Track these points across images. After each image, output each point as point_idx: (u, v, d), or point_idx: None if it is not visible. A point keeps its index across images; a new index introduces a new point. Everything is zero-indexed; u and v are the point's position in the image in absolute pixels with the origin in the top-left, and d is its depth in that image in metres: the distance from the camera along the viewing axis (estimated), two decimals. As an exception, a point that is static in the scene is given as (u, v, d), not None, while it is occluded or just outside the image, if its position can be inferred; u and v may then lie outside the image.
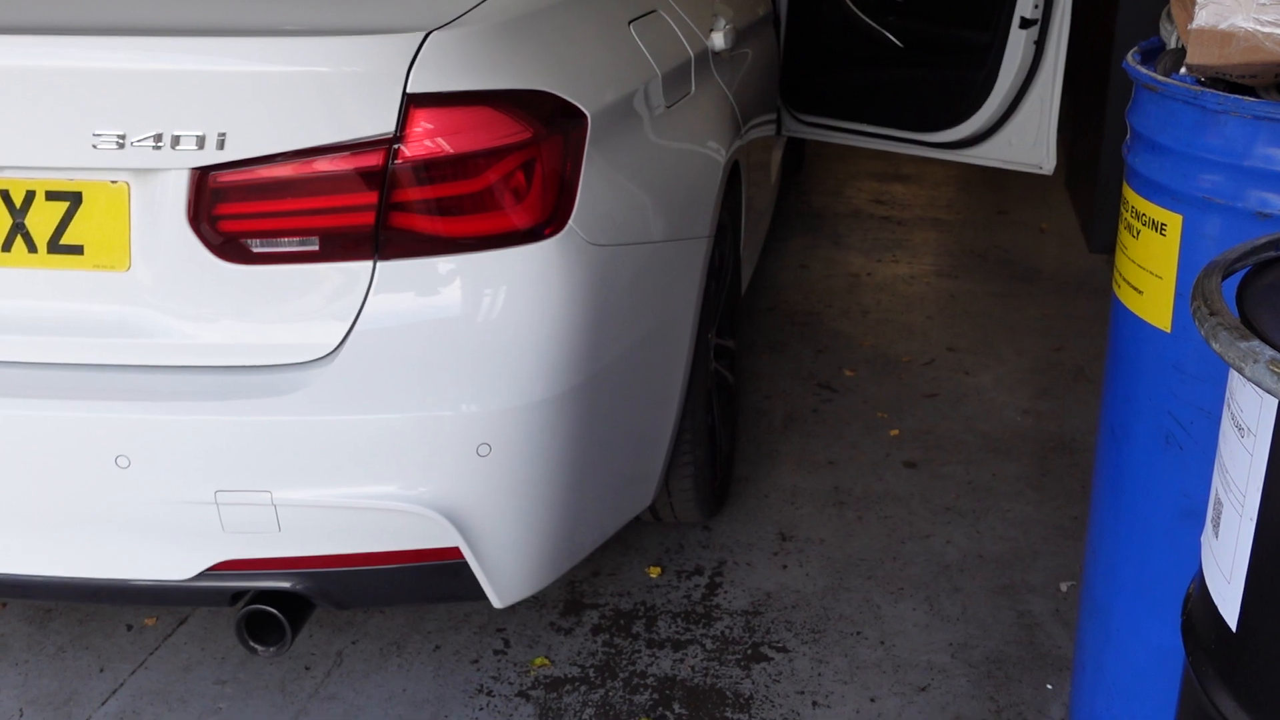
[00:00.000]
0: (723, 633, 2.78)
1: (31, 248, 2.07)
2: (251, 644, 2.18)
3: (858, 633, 2.78)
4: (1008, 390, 4.02)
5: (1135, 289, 1.95)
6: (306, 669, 2.68)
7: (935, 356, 4.28)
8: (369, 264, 2.02)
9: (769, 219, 4.63)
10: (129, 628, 2.83)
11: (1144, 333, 1.94)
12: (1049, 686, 2.60)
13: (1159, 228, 1.87)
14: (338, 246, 2.01)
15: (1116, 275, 2.03)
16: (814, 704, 2.56)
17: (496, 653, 2.73)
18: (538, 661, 2.70)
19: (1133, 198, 1.95)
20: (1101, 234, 5.24)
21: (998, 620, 2.82)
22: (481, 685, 2.63)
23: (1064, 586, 2.93)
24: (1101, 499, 2.14)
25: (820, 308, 4.74)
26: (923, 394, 3.99)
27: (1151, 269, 1.90)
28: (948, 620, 2.82)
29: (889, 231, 5.68)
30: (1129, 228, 1.97)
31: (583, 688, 2.62)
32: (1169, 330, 1.88)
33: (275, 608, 2.13)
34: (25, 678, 2.68)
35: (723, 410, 3.20)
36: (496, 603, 2.20)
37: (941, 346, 4.37)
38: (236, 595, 2.18)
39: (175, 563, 2.11)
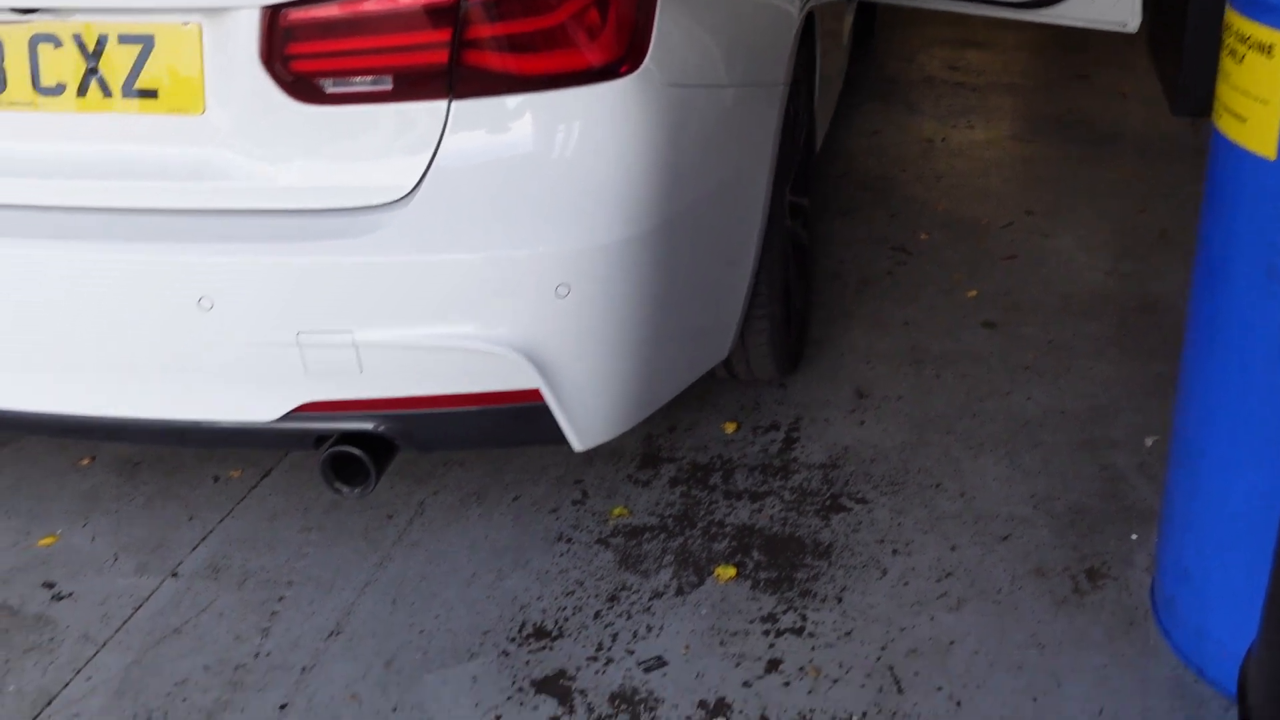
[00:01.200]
0: (800, 485, 2.78)
1: (106, 92, 2.06)
2: (336, 485, 2.21)
3: (937, 485, 2.76)
4: (1089, 252, 3.93)
5: (1238, 117, 1.87)
6: (389, 518, 2.73)
7: (1013, 220, 4.19)
8: (443, 103, 1.99)
9: (840, 84, 4.53)
10: (215, 479, 2.88)
11: (1246, 162, 1.86)
12: (1134, 537, 2.57)
13: (1265, 49, 1.79)
14: (411, 86, 1.99)
15: (1217, 106, 1.95)
16: (894, 552, 2.56)
17: (575, 503, 2.75)
18: (616, 511, 2.72)
19: (1237, 21, 1.87)
20: (1187, 96, 5.07)
21: (1080, 474, 2.79)
22: (561, 533, 2.66)
23: (1149, 441, 2.89)
24: (1196, 341, 2.09)
25: (894, 173, 4.65)
26: (1000, 257, 3.91)
27: (1256, 94, 1.82)
28: (1029, 474, 2.80)
29: (963, 98, 5.54)
30: (1232, 53, 1.89)
31: (661, 535, 2.63)
32: (1273, 158, 1.81)
33: (359, 449, 2.15)
34: (118, 525, 2.74)
35: (797, 268, 3.17)
36: (576, 446, 2.20)
37: (1019, 210, 4.28)
38: (320, 438, 2.21)
39: (261, 405, 2.13)
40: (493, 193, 2.01)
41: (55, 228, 2.08)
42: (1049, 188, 4.47)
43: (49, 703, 2.27)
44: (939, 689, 2.22)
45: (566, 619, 2.42)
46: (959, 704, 2.18)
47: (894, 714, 2.17)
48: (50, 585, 2.57)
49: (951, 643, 2.32)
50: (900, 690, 2.22)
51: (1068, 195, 4.39)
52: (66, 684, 2.31)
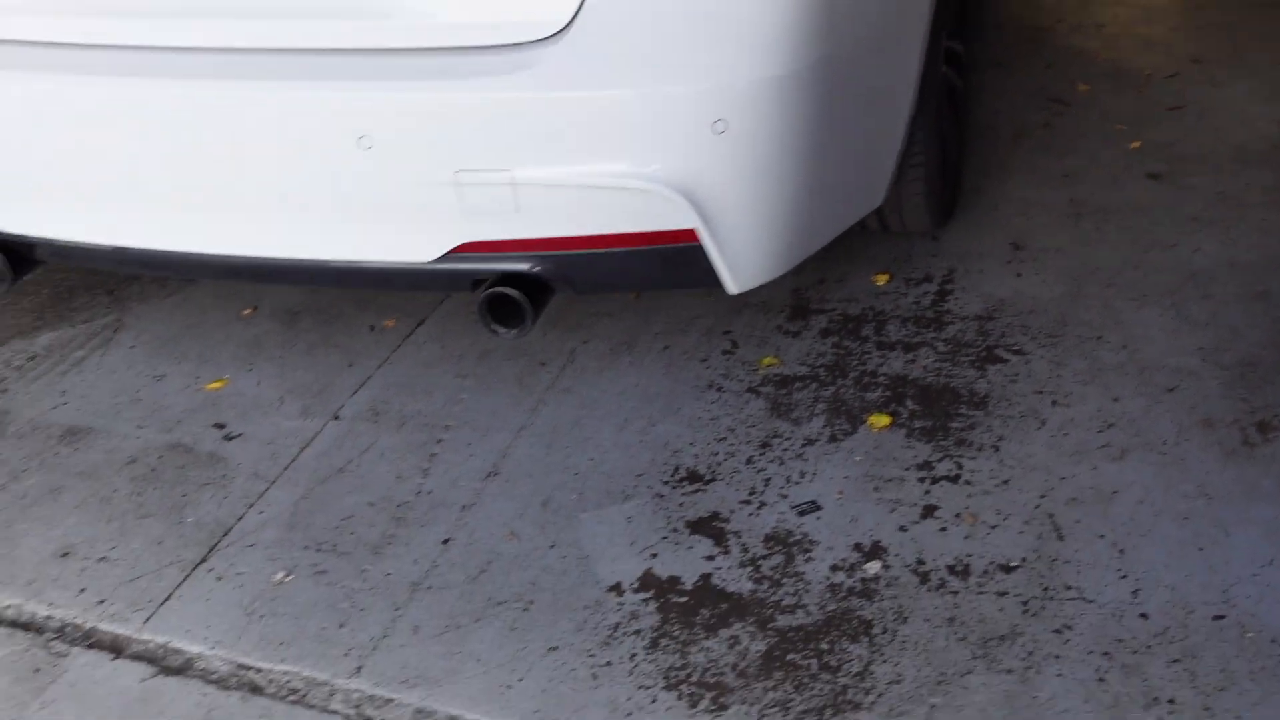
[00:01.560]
0: (955, 336, 2.73)
1: (270, -69, 2.06)
2: (493, 327, 2.23)
3: (1098, 337, 2.69)
4: (1262, 101, 3.73)
5: None
6: (541, 365, 2.76)
7: (1179, 69, 3.99)
8: (602, -69, 1.94)
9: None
10: (371, 328, 2.95)
11: None
12: (1306, 388, 2.48)
13: None
14: (569, -84, 1.94)
15: None
16: (1053, 403, 2.50)
17: (724, 353, 2.75)
18: (766, 361, 2.71)
19: None
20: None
21: (1251, 325, 2.68)
22: (711, 381, 2.66)
23: (1324, 293, 2.77)
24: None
25: (1051, 23, 4.45)
26: (1166, 107, 3.73)
27: None
28: (1196, 325, 2.70)
29: (1127, -57, 5.25)
30: None
31: (813, 385, 2.62)
32: None
33: (516, 291, 2.17)
34: (281, 371, 2.83)
35: (952, 116, 3.07)
36: (731, 288, 2.19)
37: (1185, 59, 4.07)
38: (477, 281, 2.23)
39: (420, 246, 2.16)
40: (649, 26, 1.97)
41: (220, 68, 2.11)
42: (1218, 35, 4.23)
43: (226, 533, 2.37)
44: (1101, 536, 2.18)
45: (719, 464, 2.43)
46: (1121, 551, 2.15)
47: (1054, 560, 2.14)
48: (221, 426, 2.67)
49: (1114, 492, 2.27)
50: (1060, 537, 2.19)
51: (1239, 43, 4.16)
52: (241, 517, 2.41)
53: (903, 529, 2.24)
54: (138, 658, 2.14)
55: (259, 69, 2.09)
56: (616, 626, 2.10)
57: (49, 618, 2.23)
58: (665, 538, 2.27)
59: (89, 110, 2.20)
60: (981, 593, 2.10)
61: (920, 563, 2.17)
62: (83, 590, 2.27)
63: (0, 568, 2.34)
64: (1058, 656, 1.97)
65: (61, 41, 2.24)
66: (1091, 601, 2.06)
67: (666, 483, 2.40)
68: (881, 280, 2.95)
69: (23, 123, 2.27)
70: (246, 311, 3.06)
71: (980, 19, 4.40)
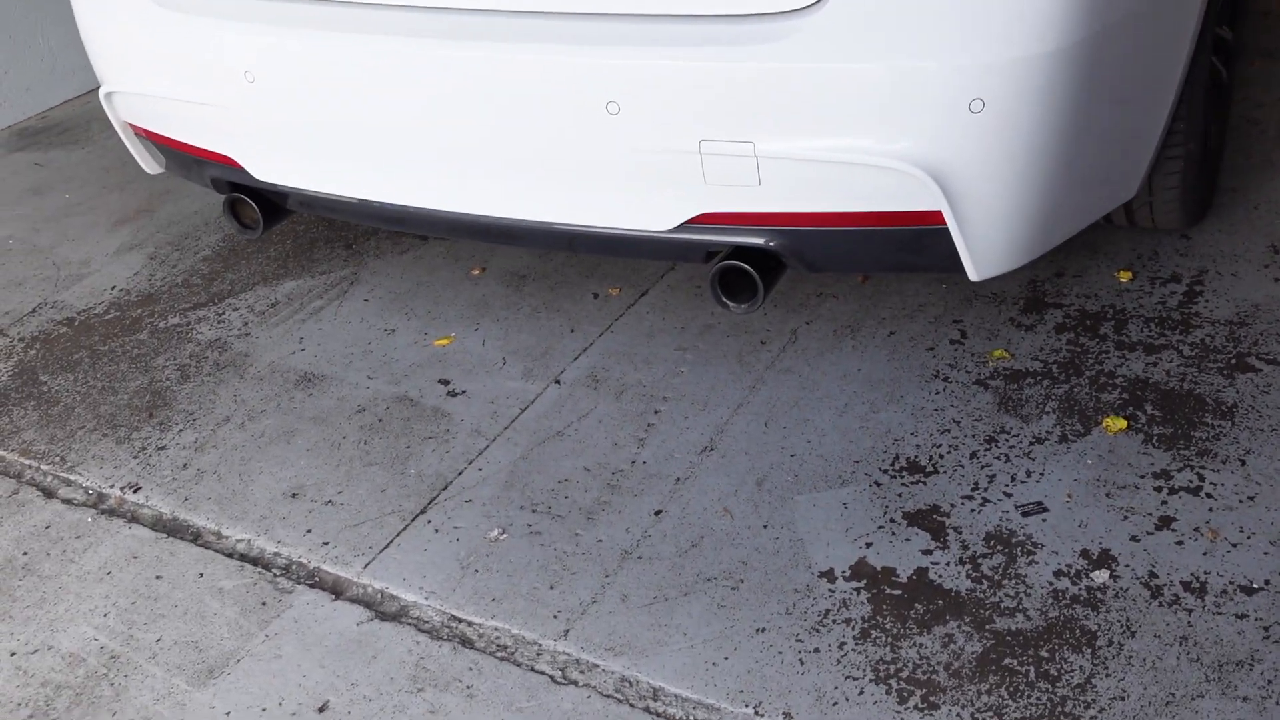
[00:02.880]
0: (1202, 340, 2.58)
1: (528, -106, 2.08)
2: (724, 300, 2.21)
3: (1363, 351, 2.50)
4: None
5: None
6: (762, 343, 2.73)
7: None
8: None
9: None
10: (595, 296, 2.97)
11: None
12: None
13: None
14: (833, -118, 1.89)
15: None
16: (1309, 418, 2.34)
17: (953, 342, 2.66)
18: (996, 353, 2.61)
19: None
20: None
21: None
22: (938, 371, 2.58)
23: None
24: None
25: (1325, 14, 4.16)
26: None
27: None
28: None
29: None
30: None
31: (1045, 382, 2.51)
32: None
33: (749, 265, 2.14)
34: (506, 332, 2.87)
35: (1215, 108, 2.89)
36: (973, 275, 2.11)
37: None
38: (710, 253, 2.21)
39: (658, 213, 2.15)
40: None
41: (474, 29, 2.14)
42: None
43: (445, 487, 2.43)
44: (1356, 566, 2.03)
45: (941, 456, 2.36)
46: (1379, 584, 1.99)
47: (1301, 586, 2.01)
48: (445, 382, 2.73)
49: (1374, 519, 2.11)
50: (1310, 563, 2.04)
51: None
52: (460, 472, 2.46)
53: (1135, 539, 2.13)
54: (356, 600, 2.20)
55: (513, 31, 2.11)
56: (826, 613, 2.06)
57: (277, 554, 2.32)
58: (882, 527, 2.22)
59: (346, 66, 2.26)
60: (1219, 613, 1.98)
61: (1153, 575, 2.06)
62: (309, 531, 2.36)
63: (234, 504, 2.45)
64: (1302, 689, 1.84)
65: (320, -1, 2.31)
66: (1342, 634, 1.92)
67: (885, 471, 2.34)
68: (1124, 277, 2.81)
69: (282, 77, 2.35)
70: (475, 271, 3.12)
71: (1250, 6, 4.14)
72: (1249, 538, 2.10)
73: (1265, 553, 2.07)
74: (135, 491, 2.52)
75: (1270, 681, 1.86)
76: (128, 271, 3.35)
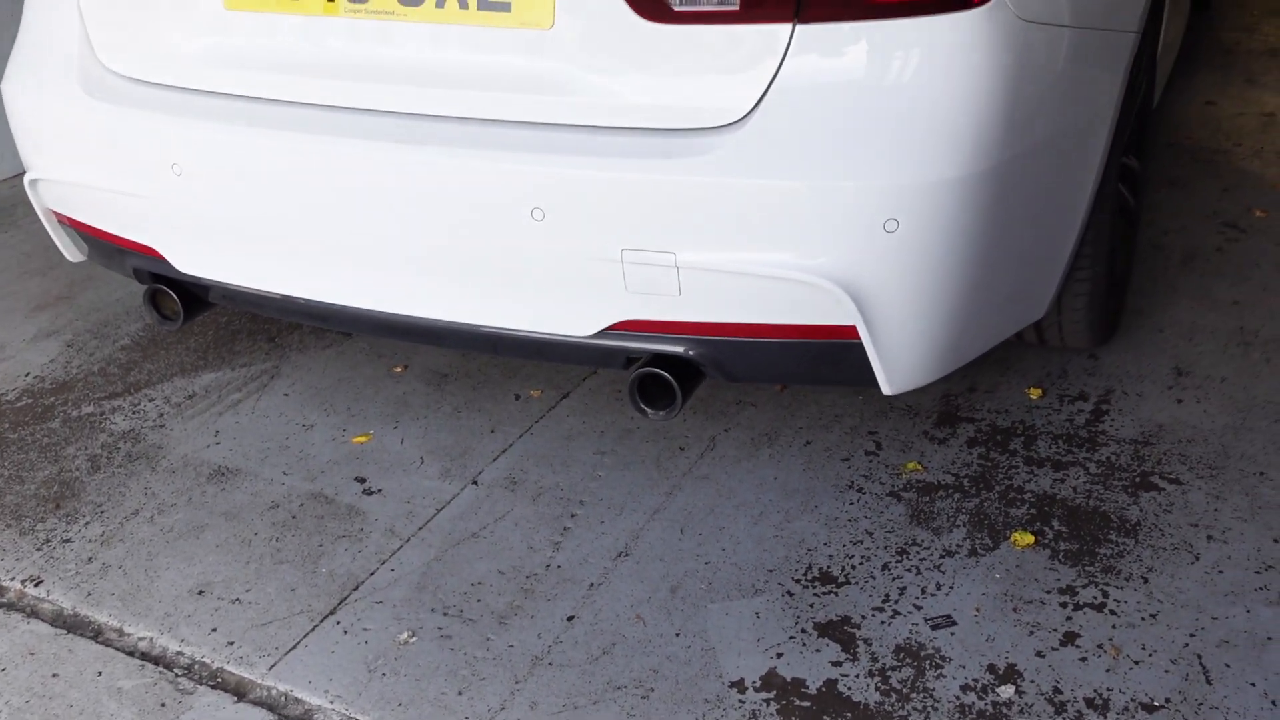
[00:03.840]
0: (1108, 459, 2.64)
1: (463, 4, 2.13)
2: (642, 406, 2.23)
3: (1261, 474, 2.57)
4: None
5: None
6: (680, 449, 2.75)
7: (1362, 204, 3.85)
8: (788, 26, 1.96)
9: (1178, 47, 4.26)
10: (516, 397, 2.97)
11: None
12: None
13: None
14: (758, 6, 1.97)
15: None
16: (1209, 538, 2.40)
17: (868, 453, 2.70)
18: (910, 466, 2.65)
19: None
20: None
21: None
22: (852, 482, 2.61)
23: None
24: None
25: (1228, 146, 4.34)
26: (1346, 241, 3.60)
27: None
28: (1369, 471, 2.57)
29: (1312, 72, 5.12)
30: None
31: (956, 495, 2.56)
32: None
33: (668, 373, 2.16)
34: (425, 431, 2.87)
35: (1123, 233, 3.00)
36: (886, 389, 2.15)
37: (1370, 193, 3.92)
38: (630, 360, 2.24)
39: (578, 319, 2.17)
40: (830, 120, 1.97)
41: (400, 132, 2.17)
42: (1406, 172, 4.08)
43: (356, 587, 2.40)
44: (1252, 685, 2.07)
45: (854, 567, 2.38)
46: (1274, 703, 2.03)
47: (1200, 704, 2.04)
48: (362, 480, 2.71)
49: (1269, 639, 2.16)
50: (1209, 681, 2.08)
51: None
52: (373, 572, 2.44)
53: (1040, 654, 2.16)
54: (259, 703, 2.16)
55: (439, 136, 2.15)
56: (737, 724, 2.05)
57: (179, 653, 2.27)
58: (793, 638, 2.22)
59: (270, 163, 2.28)
60: (1122, 731, 2.00)
61: (1057, 691, 2.08)
62: (214, 629, 2.31)
63: (138, 600, 2.40)
64: (1201, 808, 1.86)
65: (248, 95, 2.33)
66: (1240, 753, 1.95)
67: (798, 581, 2.35)
68: (1035, 394, 2.88)
69: (206, 172, 2.36)
70: (398, 369, 3.12)
71: (1154, 137, 4.32)
72: (1151, 655, 2.14)
73: (1166, 671, 2.10)
74: (36, 585, 2.46)
75: (1170, 800, 1.88)
76: (43, 358, 3.31)
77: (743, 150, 1.97)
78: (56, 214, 2.76)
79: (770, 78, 1.97)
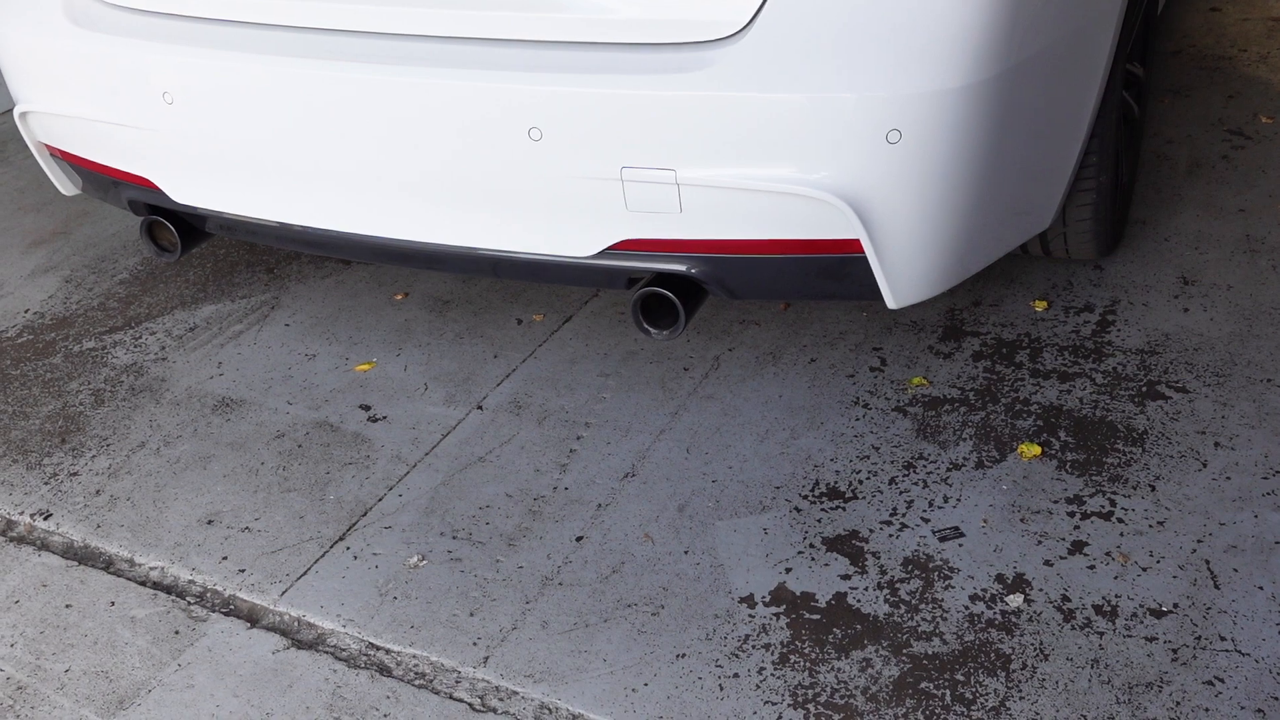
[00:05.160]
0: (1114, 369, 2.63)
1: (450, -81, 2.08)
2: (645, 326, 2.22)
3: (1268, 380, 2.56)
4: None
5: None
6: (685, 370, 2.74)
7: (1369, 107, 3.80)
8: (785, -67, 1.92)
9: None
10: (519, 322, 2.96)
11: None
12: None
13: None
14: (753, -87, 1.92)
15: None
16: (1216, 445, 2.40)
17: (873, 370, 2.69)
18: (915, 381, 2.64)
19: None
20: None
21: None
22: (858, 398, 2.61)
23: None
24: None
25: (1233, 53, 4.28)
26: (1353, 145, 3.56)
27: None
28: (1376, 375, 2.56)
29: (1318, -25, 5.03)
30: None
31: (962, 409, 2.55)
32: None
33: (670, 291, 2.15)
34: (428, 358, 2.86)
35: (1127, 142, 2.96)
36: (890, 302, 2.14)
37: (1377, 97, 3.87)
38: (632, 280, 2.22)
39: (579, 240, 2.15)
40: (827, 32, 1.94)
41: (395, 54, 2.14)
42: None
43: (365, 513, 2.40)
44: (1260, 588, 2.08)
45: (860, 482, 2.38)
46: (1283, 606, 2.04)
47: (1208, 609, 2.05)
48: (366, 408, 2.71)
49: (1277, 543, 2.16)
50: (1216, 585, 2.09)
51: None
52: (380, 498, 2.44)
53: (1048, 563, 2.16)
54: (272, 629, 2.17)
55: (434, 56, 2.11)
56: (746, 639, 2.07)
57: (191, 582, 2.28)
58: (801, 553, 2.23)
59: (264, 89, 2.25)
60: (1129, 636, 2.01)
61: (1065, 600, 2.09)
62: (224, 558, 2.32)
63: (148, 530, 2.41)
64: (1207, 710, 1.88)
65: (243, 20, 2.30)
66: (1247, 655, 1.96)
67: (805, 497, 2.36)
68: (1040, 306, 2.86)
69: (199, 99, 2.33)
70: (399, 296, 3.10)
71: (1158, 46, 4.26)
72: (1158, 562, 2.15)
73: (1174, 576, 2.11)
74: (46, 519, 2.46)
75: (1179, 703, 1.89)
76: (42, 294, 3.29)
77: (741, 63, 1.94)
78: (49, 147, 2.73)
79: (768, -13, 1.93)
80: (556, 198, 2.11)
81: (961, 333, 2.79)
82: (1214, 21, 4.56)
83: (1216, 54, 4.26)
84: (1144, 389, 2.57)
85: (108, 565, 2.35)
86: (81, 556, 2.37)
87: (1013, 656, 1.99)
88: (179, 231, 2.63)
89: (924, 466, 2.41)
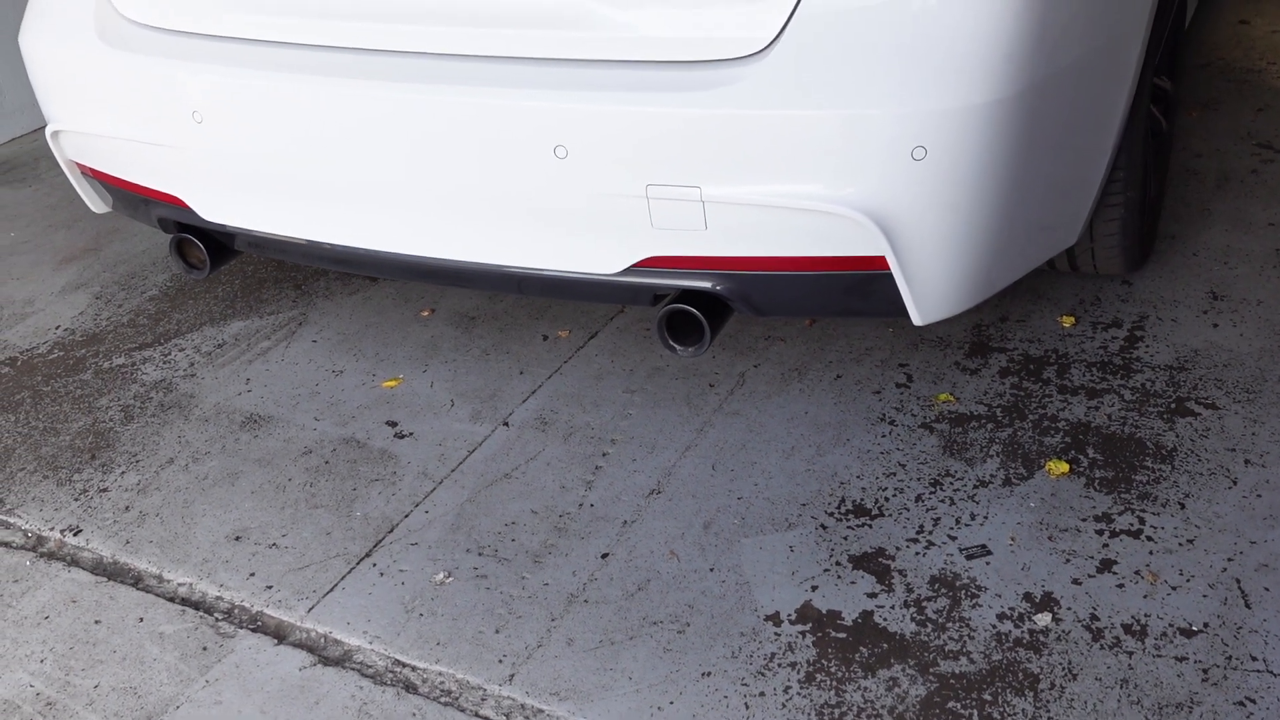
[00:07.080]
0: (1143, 385, 2.62)
1: (477, -60, 2.09)
2: (670, 343, 2.22)
3: (1299, 396, 2.55)
4: None
5: None
6: (710, 386, 2.74)
7: (1401, 120, 3.77)
8: (810, -49, 1.92)
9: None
10: (544, 338, 2.97)
11: None
12: None
13: None
14: (777, -68, 1.93)
15: None
16: (1246, 462, 2.38)
17: (899, 386, 2.68)
18: (942, 397, 2.63)
19: None
20: None
21: None
22: (884, 415, 2.60)
23: None
24: None
25: (1262, 65, 4.26)
26: (1384, 159, 3.53)
27: None
28: None
29: (1348, -13, 5.00)
30: None
31: (989, 425, 2.54)
32: None
33: (696, 309, 2.15)
34: (454, 374, 2.87)
35: (1155, 156, 2.95)
36: (916, 319, 2.13)
37: None
38: (658, 297, 2.22)
39: (605, 257, 2.16)
40: (852, 48, 1.94)
41: (423, 73, 2.15)
42: None
43: (391, 530, 2.41)
44: (1292, 608, 2.06)
45: (887, 499, 2.37)
46: (1315, 626, 2.02)
47: (1239, 629, 2.03)
48: (393, 424, 2.72)
49: (1310, 562, 2.14)
50: (1248, 605, 2.07)
51: None
52: (407, 515, 2.45)
53: (1077, 582, 2.15)
54: (299, 645, 2.18)
55: (461, 75, 2.12)
56: (772, 657, 2.06)
57: (219, 598, 2.29)
58: (827, 570, 2.22)
59: (293, 108, 2.26)
60: (1159, 656, 2.00)
61: (1094, 618, 2.07)
62: (252, 574, 2.33)
63: (176, 546, 2.42)
64: (1240, 731, 1.86)
65: (272, 40, 2.32)
66: (1278, 675, 1.94)
67: (831, 514, 2.35)
68: (1067, 322, 2.85)
69: (228, 118, 2.35)
70: (425, 313, 3.12)
71: (1186, 60, 4.24)
72: (1188, 580, 2.13)
73: (1204, 595, 2.09)
74: (76, 534, 2.48)
75: (1209, 724, 1.87)
76: (73, 311, 3.32)
77: (766, 81, 1.94)
78: (79, 165, 2.76)
79: (793, 6, 1.93)
80: (582, 215, 2.12)
81: (988, 349, 2.78)
82: (1242, 34, 4.54)
83: (1245, 67, 4.24)
84: (1173, 405, 2.55)
85: (136, 581, 2.36)
86: (111, 572, 2.39)
87: (1041, 676, 1.98)
88: (208, 249, 2.65)
89: (951, 484, 2.40)
